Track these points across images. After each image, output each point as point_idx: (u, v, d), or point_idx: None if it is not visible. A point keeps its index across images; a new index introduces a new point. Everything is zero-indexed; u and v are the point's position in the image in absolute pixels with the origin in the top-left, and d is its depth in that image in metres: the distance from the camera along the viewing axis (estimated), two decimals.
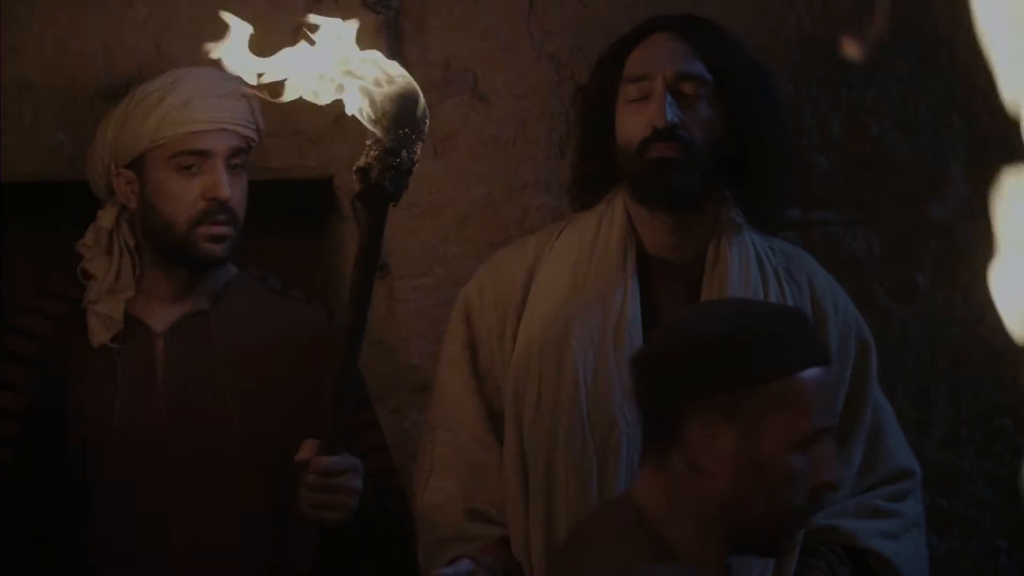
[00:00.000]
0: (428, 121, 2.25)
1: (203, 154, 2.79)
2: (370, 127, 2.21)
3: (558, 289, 2.79)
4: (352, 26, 2.22)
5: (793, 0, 3.35)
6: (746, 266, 2.78)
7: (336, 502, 2.62)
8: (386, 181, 2.24)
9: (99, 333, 2.82)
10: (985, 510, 3.45)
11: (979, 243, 2.90)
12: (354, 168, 2.25)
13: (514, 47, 3.28)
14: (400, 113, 2.21)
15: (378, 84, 2.21)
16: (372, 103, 2.20)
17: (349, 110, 2.21)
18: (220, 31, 2.85)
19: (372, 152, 2.24)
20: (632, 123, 2.76)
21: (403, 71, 2.25)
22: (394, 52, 3.04)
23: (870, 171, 3.39)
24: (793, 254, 2.89)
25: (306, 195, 3.31)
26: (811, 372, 2.02)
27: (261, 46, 2.28)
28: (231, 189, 2.79)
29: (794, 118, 3.26)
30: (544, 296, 2.80)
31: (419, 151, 2.25)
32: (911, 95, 3.39)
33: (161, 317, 2.87)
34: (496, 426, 2.83)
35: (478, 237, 3.25)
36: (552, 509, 2.71)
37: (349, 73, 2.20)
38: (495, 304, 2.83)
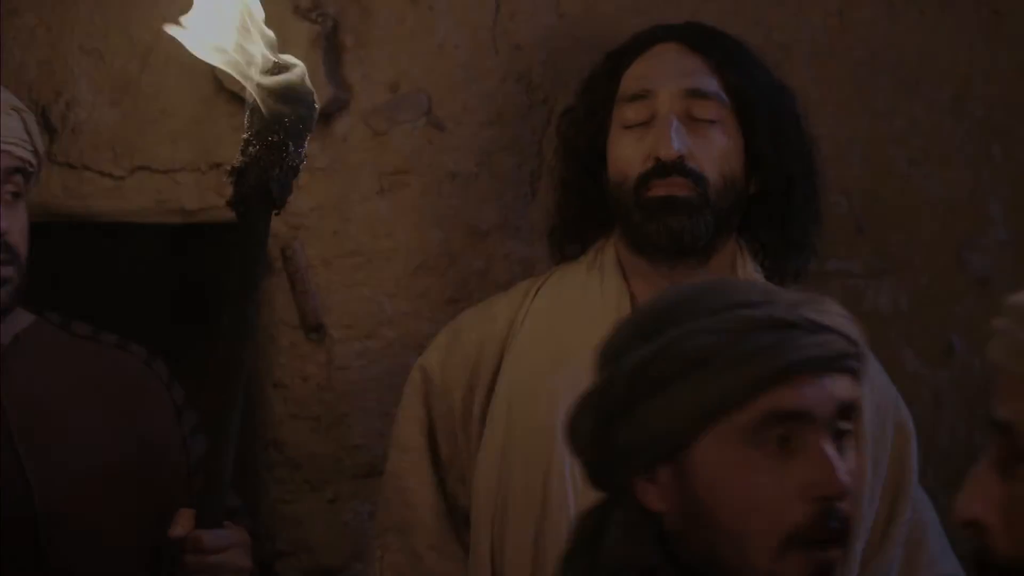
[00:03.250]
0: (318, 109, 2.11)
1: None
2: (250, 110, 2.08)
3: (538, 361, 2.56)
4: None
5: (806, 12, 3.16)
6: None
7: None
8: (271, 183, 2.09)
9: None
10: None
11: None
12: (229, 168, 2.10)
13: (476, 64, 3.06)
14: (286, 97, 2.07)
15: (259, 64, 2.09)
16: (254, 86, 2.08)
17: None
18: (122, 43, 2.93)
19: (252, 148, 2.09)
20: (629, 154, 2.53)
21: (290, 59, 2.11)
22: (331, 70, 2.94)
23: (896, 213, 3.20)
24: None
25: (226, 242, 2.91)
26: None
27: None
28: (7, 221, 2.47)
29: None
30: (521, 370, 2.58)
31: (306, 147, 2.13)
32: (944, 122, 3.21)
33: None
34: (459, 529, 2.63)
35: (433, 292, 3.04)
36: None
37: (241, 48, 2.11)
38: (459, 379, 2.63)
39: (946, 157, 3.21)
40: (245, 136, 2.10)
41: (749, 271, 2.58)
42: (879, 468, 2.58)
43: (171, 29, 2.13)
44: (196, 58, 2.83)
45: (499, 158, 3.09)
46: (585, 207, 2.64)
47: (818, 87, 3.14)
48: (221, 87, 2.87)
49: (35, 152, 2.56)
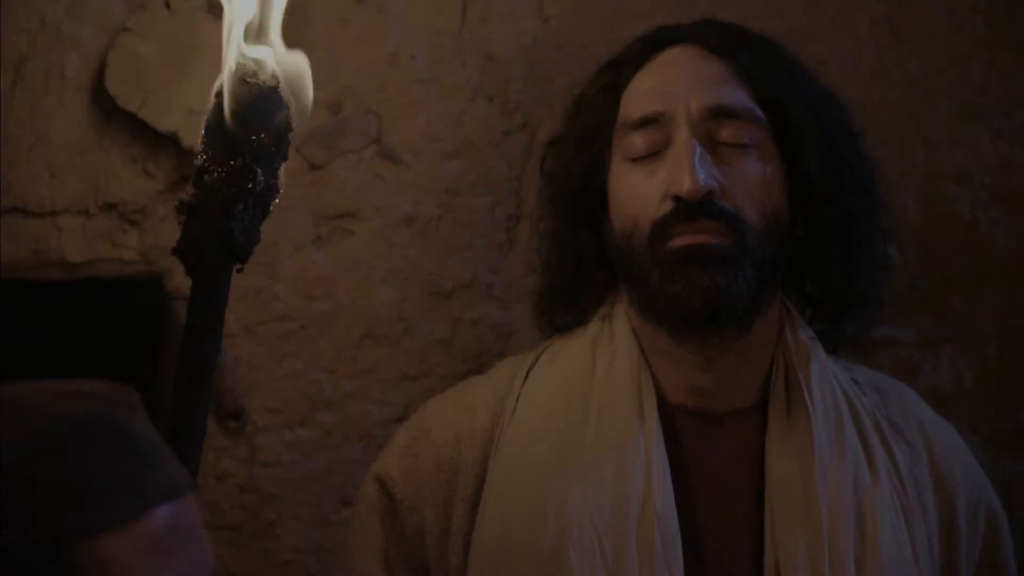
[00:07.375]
0: (294, 130, 1.79)
1: None
2: (207, 125, 1.75)
3: (537, 464, 2.25)
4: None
5: (848, 19, 2.99)
6: (836, 416, 2.28)
7: None
8: (233, 223, 1.74)
9: None
10: None
11: None
12: (176, 203, 1.77)
13: (439, 80, 2.86)
14: (257, 108, 1.73)
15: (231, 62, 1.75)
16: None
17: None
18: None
19: (208, 176, 1.73)
20: (639, 194, 2.22)
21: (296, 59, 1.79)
22: None
23: (958, 267, 3.05)
24: (891, 391, 2.44)
25: (122, 302, 2.89)
26: None
27: None
28: None
29: None
30: (515, 476, 2.26)
31: (283, 177, 1.81)
32: (1016, 156, 3.04)
33: None
34: None
35: (384, 367, 2.84)
36: None
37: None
38: (431, 493, 2.32)
39: (1018, 198, 3.04)
40: (199, 162, 1.79)
41: (801, 338, 2.26)
42: (969, 567, 2.37)
43: None
44: (82, 72, 2.72)
45: (467, 198, 2.89)
46: (580, 266, 2.34)
47: (863, 111, 2.87)
48: (114, 107, 2.64)
49: None
